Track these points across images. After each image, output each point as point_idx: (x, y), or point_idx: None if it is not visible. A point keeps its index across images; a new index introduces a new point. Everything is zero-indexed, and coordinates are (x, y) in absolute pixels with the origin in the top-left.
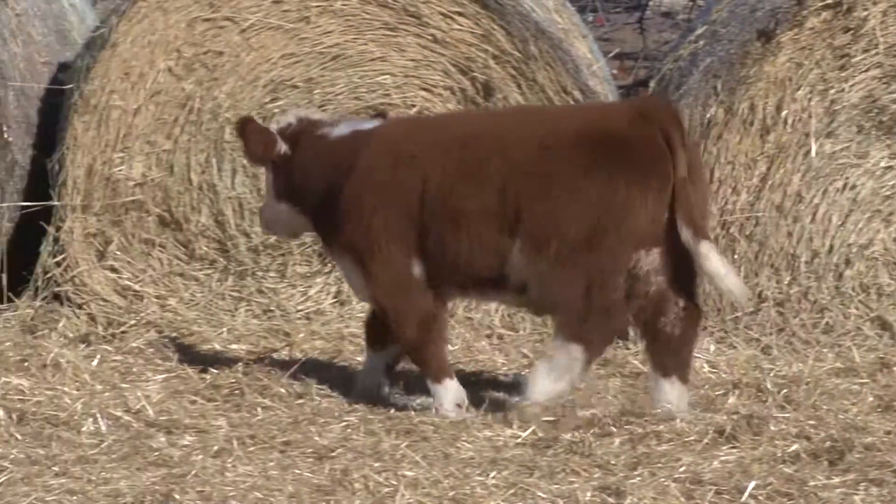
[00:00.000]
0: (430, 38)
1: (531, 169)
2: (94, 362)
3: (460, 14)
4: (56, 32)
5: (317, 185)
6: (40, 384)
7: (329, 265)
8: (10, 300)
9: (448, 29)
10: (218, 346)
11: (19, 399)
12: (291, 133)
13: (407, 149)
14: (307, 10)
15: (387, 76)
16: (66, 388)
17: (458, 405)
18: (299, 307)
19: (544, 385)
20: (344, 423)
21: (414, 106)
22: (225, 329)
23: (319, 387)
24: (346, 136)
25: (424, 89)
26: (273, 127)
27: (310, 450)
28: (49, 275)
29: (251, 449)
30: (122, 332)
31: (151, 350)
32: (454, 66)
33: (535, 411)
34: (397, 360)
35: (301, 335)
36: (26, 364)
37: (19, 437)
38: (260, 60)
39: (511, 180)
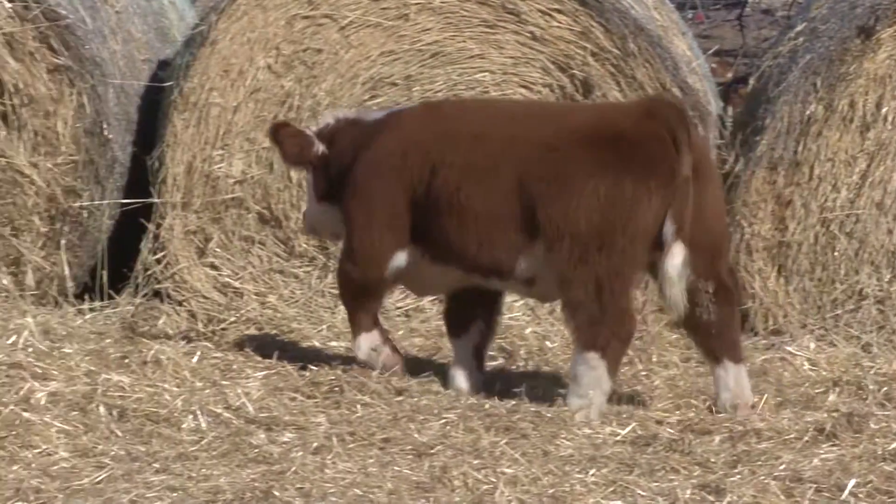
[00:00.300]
0: (528, 35)
1: (539, 168)
2: (195, 359)
3: (559, 11)
4: (156, 30)
5: (348, 172)
6: (141, 381)
7: None
8: (110, 297)
9: (547, 26)
10: (317, 343)
11: (120, 396)
12: (328, 133)
13: (419, 137)
14: (406, 7)
15: (485, 73)
16: (166, 385)
17: (373, 350)
18: (398, 304)
19: (580, 403)
20: (443, 420)
21: None
22: (325, 326)
23: (419, 384)
24: (374, 122)
25: (523, 87)
26: (311, 129)
27: (409, 447)
28: (149, 272)
29: (350, 446)
30: (222, 329)
31: (251, 347)
32: (553, 64)
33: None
34: (485, 341)
35: (400, 332)
36: (127, 361)
37: (120, 433)
38: (359, 58)
39: (520, 179)
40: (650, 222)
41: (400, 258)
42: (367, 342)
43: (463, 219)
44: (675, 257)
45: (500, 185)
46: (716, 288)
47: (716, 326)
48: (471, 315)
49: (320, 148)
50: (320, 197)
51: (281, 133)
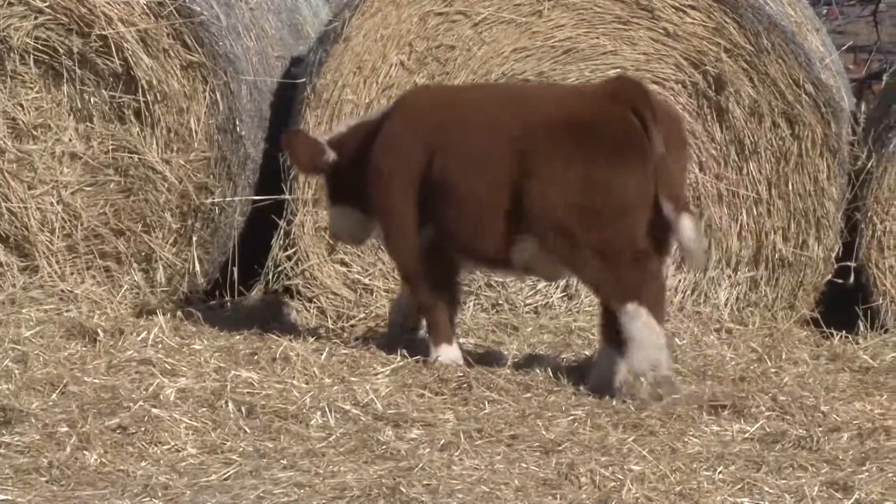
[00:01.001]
0: (662, 31)
1: (527, 156)
2: (323, 356)
3: (692, 7)
4: (289, 26)
5: (358, 169)
6: (270, 377)
7: None
8: (240, 294)
9: (680, 22)
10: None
11: (248, 392)
12: (339, 140)
13: (420, 123)
14: (539, 3)
15: (618, 70)
16: (295, 382)
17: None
18: (527, 301)
19: (639, 357)
20: (571, 417)
21: None
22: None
23: (547, 381)
24: (379, 116)
25: (656, 83)
26: (323, 137)
27: (536, 444)
28: (280, 268)
29: (478, 442)
30: (352, 326)
31: (379, 343)
32: (686, 60)
33: (644, 384)
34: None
35: (529, 329)
36: (256, 357)
37: (248, 430)
38: (492, 54)
39: (510, 166)
40: (631, 202)
41: (426, 233)
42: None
43: (459, 205)
44: (686, 230)
45: (489, 180)
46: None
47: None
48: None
49: (331, 155)
50: (334, 201)
51: (294, 141)
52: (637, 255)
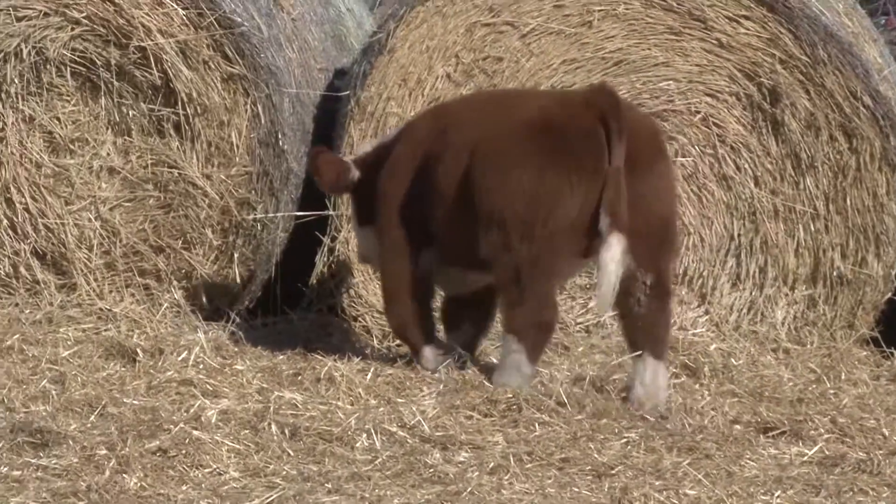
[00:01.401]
0: (715, 42)
1: (484, 157)
2: (369, 376)
3: (746, 18)
4: (332, 38)
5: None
6: (314, 398)
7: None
8: (283, 312)
9: (734, 33)
10: (495, 360)
11: (292, 414)
12: (364, 160)
13: (418, 145)
14: (589, 14)
15: (670, 82)
16: (339, 403)
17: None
18: (578, 320)
19: (500, 382)
20: (624, 440)
21: (698, 112)
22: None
23: (598, 402)
24: (393, 136)
25: (709, 95)
26: (349, 157)
27: (588, 467)
28: (324, 286)
29: (528, 466)
30: (397, 345)
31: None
32: (740, 72)
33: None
34: (475, 339)
35: (580, 349)
36: (300, 378)
37: (292, 452)
38: (540, 66)
39: (470, 167)
40: (573, 213)
41: (426, 256)
42: (430, 359)
43: (443, 213)
44: (611, 249)
45: (462, 178)
46: (653, 281)
47: (643, 319)
48: (463, 315)
49: (356, 174)
50: (361, 222)
51: (319, 160)
52: (540, 300)
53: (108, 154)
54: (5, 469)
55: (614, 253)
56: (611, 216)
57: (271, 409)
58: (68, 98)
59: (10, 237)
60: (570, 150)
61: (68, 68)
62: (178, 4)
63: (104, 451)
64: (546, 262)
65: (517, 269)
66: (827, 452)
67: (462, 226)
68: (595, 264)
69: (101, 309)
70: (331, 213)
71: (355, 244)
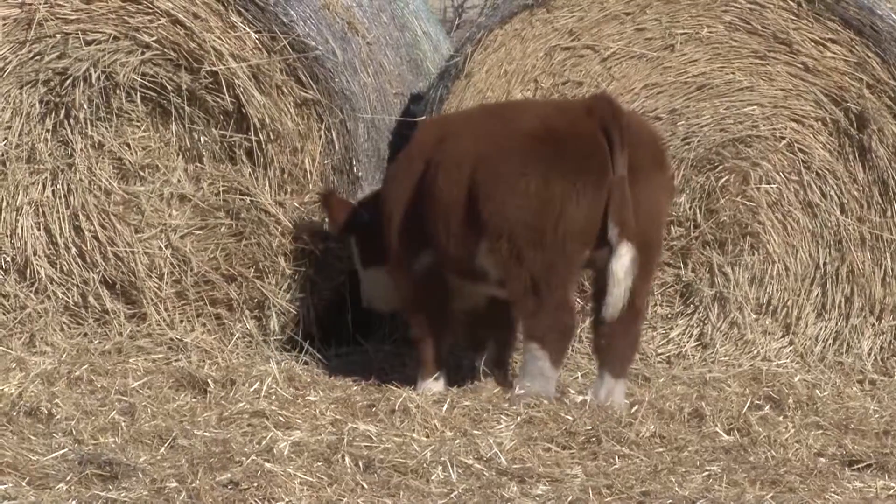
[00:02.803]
0: (801, 66)
1: (486, 167)
2: (444, 407)
3: (833, 41)
4: (408, 62)
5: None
6: (388, 430)
7: (691, 305)
8: (356, 342)
9: (820, 56)
10: (573, 391)
11: (366, 446)
12: (371, 200)
13: (419, 148)
14: (672, 38)
15: (755, 107)
16: (414, 435)
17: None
18: (659, 350)
19: (523, 391)
20: (706, 473)
21: (783, 138)
22: (580, 374)
23: (679, 433)
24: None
25: (794, 120)
26: (356, 199)
27: (669, 501)
28: (398, 315)
29: (608, 499)
30: (472, 377)
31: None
32: (826, 96)
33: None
34: (502, 356)
35: (661, 380)
36: (374, 409)
37: (366, 485)
38: (621, 90)
39: (473, 179)
40: (581, 221)
41: (423, 259)
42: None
43: (439, 221)
44: (622, 257)
45: (461, 188)
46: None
47: (608, 337)
48: (484, 334)
49: (365, 216)
50: (366, 263)
51: (329, 201)
52: (558, 305)
53: (179, 181)
54: (74, 503)
55: (624, 262)
56: (619, 225)
57: (345, 440)
58: (138, 124)
59: (79, 266)
60: (574, 157)
61: (138, 93)
62: (250, 28)
63: (174, 484)
64: (560, 267)
65: (532, 279)
66: None
67: (461, 238)
68: (607, 272)
69: (171, 339)
70: None
71: (361, 288)
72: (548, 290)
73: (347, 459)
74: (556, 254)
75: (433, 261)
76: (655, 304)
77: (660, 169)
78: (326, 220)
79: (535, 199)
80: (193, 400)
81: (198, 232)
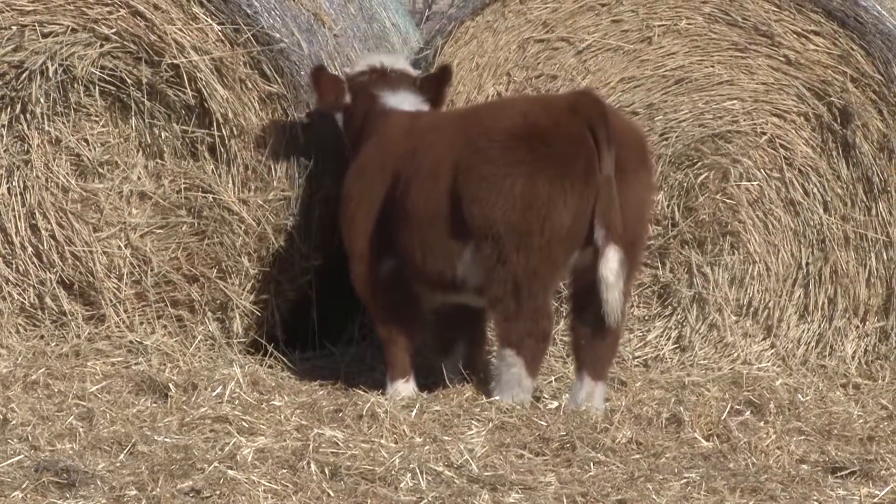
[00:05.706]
0: (782, 59)
1: (467, 169)
2: (413, 413)
3: (816, 33)
4: None
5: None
6: (355, 436)
7: (670, 307)
8: (322, 345)
9: (802, 49)
10: (547, 396)
11: (333, 452)
12: (356, 83)
13: (390, 147)
14: (649, 30)
15: (735, 101)
16: (382, 441)
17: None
18: (636, 353)
19: (500, 397)
20: (684, 480)
21: (764, 134)
22: (554, 378)
23: (656, 440)
24: (381, 113)
25: (776, 115)
26: (344, 73)
27: None
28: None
29: None
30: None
31: (475, 400)
32: (809, 90)
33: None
34: (472, 358)
35: (638, 384)
36: (341, 414)
37: (332, 493)
38: (597, 84)
39: (453, 181)
40: (567, 221)
41: (389, 262)
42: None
43: (411, 227)
44: (610, 261)
45: (439, 200)
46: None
47: (587, 337)
48: (453, 335)
49: (347, 97)
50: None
51: (319, 78)
52: (537, 311)
53: (139, 178)
54: None
55: (612, 265)
56: (605, 227)
57: (311, 447)
58: (97, 119)
59: (36, 265)
60: (559, 157)
61: (97, 87)
62: (213, 20)
63: (134, 492)
64: (543, 272)
65: (514, 282)
66: None
67: (435, 244)
68: (597, 277)
69: (131, 341)
70: None
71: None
72: (529, 294)
73: (313, 466)
74: (542, 257)
75: (399, 264)
76: (632, 306)
77: (644, 168)
78: (316, 96)
79: (522, 199)
80: (154, 405)
81: (158, 231)
